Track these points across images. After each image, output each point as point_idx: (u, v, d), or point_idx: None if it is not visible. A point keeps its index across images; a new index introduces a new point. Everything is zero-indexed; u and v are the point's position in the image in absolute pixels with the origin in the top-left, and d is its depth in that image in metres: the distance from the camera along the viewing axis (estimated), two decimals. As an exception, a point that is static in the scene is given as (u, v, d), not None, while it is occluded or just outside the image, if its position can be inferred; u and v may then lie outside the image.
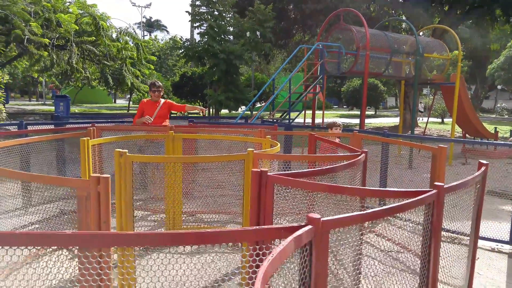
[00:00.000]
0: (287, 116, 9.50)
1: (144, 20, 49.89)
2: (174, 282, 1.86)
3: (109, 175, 1.88)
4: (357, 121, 28.35)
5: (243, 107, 17.81)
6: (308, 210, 2.38)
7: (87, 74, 22.19)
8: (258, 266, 1.59)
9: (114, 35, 22.35)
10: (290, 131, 6.26)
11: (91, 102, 44.33)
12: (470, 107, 12.44)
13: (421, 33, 15.94)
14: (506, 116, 39.33)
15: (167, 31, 53.66)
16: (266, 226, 1.39)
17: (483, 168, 2.90)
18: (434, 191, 2.08)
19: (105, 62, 21.68)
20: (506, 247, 4.90)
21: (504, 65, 36.64)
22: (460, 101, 11.55)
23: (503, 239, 4.90)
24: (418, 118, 28.32)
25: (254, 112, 11.23)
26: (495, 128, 13.62)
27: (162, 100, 6.17)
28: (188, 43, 14.40)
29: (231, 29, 14.13)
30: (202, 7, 14.34)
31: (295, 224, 1.44)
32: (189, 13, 14.51)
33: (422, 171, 5.35)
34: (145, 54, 21.77)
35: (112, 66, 21.81)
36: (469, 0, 19.14)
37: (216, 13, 14.00)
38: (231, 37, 13.48)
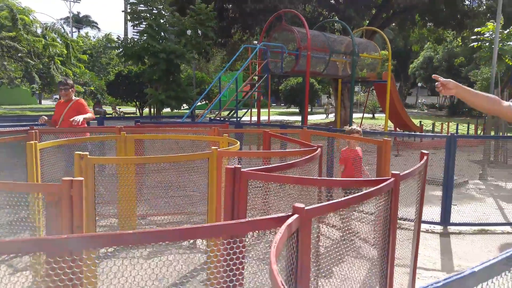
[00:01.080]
0: (235, 114, 9.58)
1: (71, 15, 46.88)
2: (135, 283, 1.86)
3: (82, 178, 1.82)
4: (295, 118, 29.25)
5: (185, 106, 17.54)
6: (276, 203, 2.49)
7: (7, 72, 20.38)
8: (232, 260, 1.67)
9: (39, 31, 20.78)
10: (245, 129, 6.36)
11: (10, 103, 40.57)
12: (400, 103, 13.47)
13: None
14: (426, 111, 43.02)
15: (98, 28, 51.08)
16: (258, 218, 1.46)
17: (425, 158, 3.21)
18: (392, 179, 2.29)
19: (29, 59, 20.05)
20: (438, 228, 5.46)
21: (423, 65, 40.07)
22: (391, 97, 12.45)
23: (435, 221, 5.45)
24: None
25: (198, 111, 11.12)
26: (420, 122, 14.89)
27: (74, 99, 5.66)
28: (126, 42, 13.85)
29: (172, 28, 13.86)
30: (140, 5, 13.92)
31: (282, 215, 1.53)
32: (127, 13, 13.99)
33: (364, 163, 5.74)
34: (75, 53, 20.55)
35: (37, 64, 20.25)
36: (393, 5, 20.63)
37: (155, 11, 13.66)
38: (173, 36, 13.23)
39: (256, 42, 19.90)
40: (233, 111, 9.86)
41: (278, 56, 11.00)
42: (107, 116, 20.36)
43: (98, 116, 18.10)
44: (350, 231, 2.03)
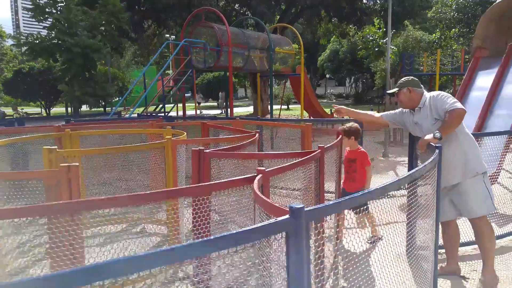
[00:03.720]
0: (162, 109, 9.78)
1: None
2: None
3: (77, 164, 2.17)
4: (215, 111, 29.75)
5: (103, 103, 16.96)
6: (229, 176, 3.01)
7: None
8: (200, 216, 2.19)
9: None
10: (183, 122, 6.71)
11: None
12: (313, 94, 14.73)
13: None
14: (335, 101, 46.51)
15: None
16: (235, 178, 1.98)
17: (340, 136, 4.00)
18: (319, 150, 2.96)
19: None
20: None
21: (330, 57, 43.17)
22: (305, 89, 13.60)
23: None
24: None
25: (117, 108, 10.96)
26: (331, 110, 16.41)
27: None
28: (32, 37, 12.98)
29: (82, 24, 13.37)
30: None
31: (251, 175, 2.09)
32: (28, 9, 13.09)
33: (285, 148, 6.54)
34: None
35: None
36: (301, 1, 22.10)
37: (60, 5, 13.05)
38: (85, 32, 12.78)
39: (173, 37, 19.88)
40: (160, 106, 10.05)
41: (200, 52, 11.39)
42: (6, 118, 18.73)
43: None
44: (295, 189, 2.64)
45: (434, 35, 21.63)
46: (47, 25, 12.75)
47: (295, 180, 2.76)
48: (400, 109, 3.78)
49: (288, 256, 1.32)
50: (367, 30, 13.02)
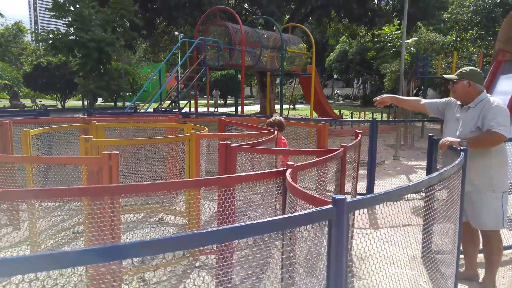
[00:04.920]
0: (176, 106, 9.92)
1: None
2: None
3: (118, 152, 2.28)
4: (228, 109, 29.90)
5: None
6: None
7: None
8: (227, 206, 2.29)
9: None
10: (202, 118, 6.82)
11: None
12: (323, 95, 14.79)
13: (274, 28, 17.86)
14: (342, 101, 46.47)
15: (0, 14, 45.73)
16: (265, 171, 2.08)
17: (359, 137, 4.07)
18: (342, 149, 3.05)
19: None
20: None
21: (339, 58, 43.10)
22: (315, 89, 13.66)
23: (362, 192, 6.49)
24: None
25: (133, 103, 11.16)
26: (340, 111, 16.47)
27: None
28: (53, 33, 13.24)
29: (96, 22, 13.56)
30: None
31: (280, 169, 2.18)
32: (49, 9, 13.34)
33: (303, 145, 6.61)
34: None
35: None
36: (311, 1, 22.12)
37: (79, 2, 13.28)
38: (99, 28, 12.97)
39: (183, 35, 20.01)
40: (174, 102, 10.19)
41: (211, 50, 11.50)
42: (26, 109, 19.06)
43: (18, 109, 16.90)
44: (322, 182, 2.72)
45: (449, 36, 21.23)
46: (65, 22, 12.99)
47: (315, 178, 2.84)
48: (447, 99, 3.55)
49: (329, 243, 1.41)
50: (386, 29, 12.97)
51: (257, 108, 27.66)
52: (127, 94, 24.44)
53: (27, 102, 25.33)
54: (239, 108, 13.76)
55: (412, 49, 14.32)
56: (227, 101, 41.66)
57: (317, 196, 1.59)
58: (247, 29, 12.09)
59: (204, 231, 1.15)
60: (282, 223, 1.32)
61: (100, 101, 19.62)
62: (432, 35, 18.14)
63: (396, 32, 13.20)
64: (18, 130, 4.25)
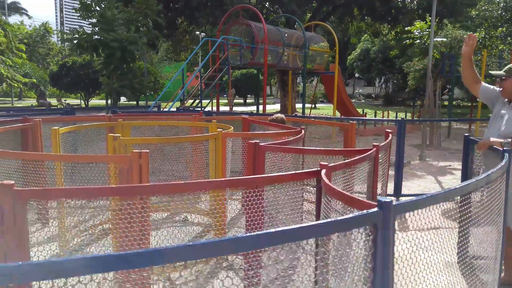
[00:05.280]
0: (199, 104, 9.95)
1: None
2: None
3: (148, 150, 2.25)
4: (248, 108, 29.91)
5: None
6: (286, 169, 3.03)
7: None
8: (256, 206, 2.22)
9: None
10: (226, 117, 6.81)
11: None
12: (346, 94, 14.57)
13: (295, 27, 17.70)
14: (363, 101, 45.83)
15: (28, 15, 47.22)
16: (301, 171, 2.00)
17: (390, 137, 3.94)
18: (374, 149, 2.94)
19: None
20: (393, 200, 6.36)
21: (361, 56, 42.49)
22: (338, 88, 13.47)
23: (390, 193, 6.32)
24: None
25: (156, 101, 11.30)
26: (363, 110, 16.19)
27: None
28: (78, 33, 13.53)
29: (120, 22, 13.76)
30: None
31: (314, 170, 2.10)
32: (76, 9, 13.65)
33: (325, 145, 6.49)
34: (14, 42, 19.34)
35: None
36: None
37: (104, 3, 13.51)
38: (122, 27, 13.16)
39: (203, 34, 20.10)
40: (197, 101, 10.22)
41: (237, 49, 11.48)
42: (52, 107, 19.56)
43: (44, 108, 17.33)
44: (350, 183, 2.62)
45: (477, 34, 20.68)
46: (91, 22, 13.23)
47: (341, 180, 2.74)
48: (500, 90, 3.35)
49: (375, 247, 1.33)
50: (417, 25, 12.60)
51: (277, 107, 27.54)
52: (150, 93, 24.82)
53: (53, 101, 26.08)
54: (260, 107, 13.71)
55: (443, 48, 13.89)
56: (247, 100, 41.69)
57: (361, 198, 1.51)
58: (270, 28, 12.02)
59: (246, 235, 1.10)
60: (326, 227, 1.25)
61: (122, 100, 19.96)
62: (458, 33, 17.62)
63: (428, 29, 12.85)
64: (46, 128, 4.31)
